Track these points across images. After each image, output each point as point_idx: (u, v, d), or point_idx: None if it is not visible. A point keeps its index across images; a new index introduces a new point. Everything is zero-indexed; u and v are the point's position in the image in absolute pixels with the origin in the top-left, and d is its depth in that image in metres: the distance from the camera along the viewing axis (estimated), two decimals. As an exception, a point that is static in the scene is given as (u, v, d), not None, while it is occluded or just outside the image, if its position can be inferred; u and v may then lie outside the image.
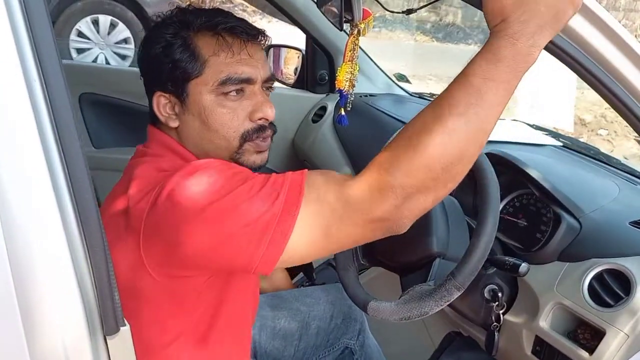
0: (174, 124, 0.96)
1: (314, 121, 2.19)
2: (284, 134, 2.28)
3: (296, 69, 2.34)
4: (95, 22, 4.70)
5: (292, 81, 2.34)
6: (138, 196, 0.84)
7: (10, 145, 0.58)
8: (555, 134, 1.77)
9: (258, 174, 0.82)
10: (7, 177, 0.56)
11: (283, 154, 2.32)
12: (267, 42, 1.02)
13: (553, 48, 0.76)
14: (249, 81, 0.96)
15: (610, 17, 0.78)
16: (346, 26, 1.35)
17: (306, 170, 0.81)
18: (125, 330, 0.63)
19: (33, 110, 0.59)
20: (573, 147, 1.67)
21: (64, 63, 1.94)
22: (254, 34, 0.98)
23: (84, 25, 4.66)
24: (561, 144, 1.68)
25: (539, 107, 1.83)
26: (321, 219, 0.76)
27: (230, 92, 0.94)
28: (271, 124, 1.00)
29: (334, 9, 1.37)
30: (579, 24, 0.77)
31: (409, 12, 1.19)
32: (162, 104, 0.96)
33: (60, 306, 0.58)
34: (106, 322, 0.61)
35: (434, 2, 0.97)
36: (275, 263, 0.78)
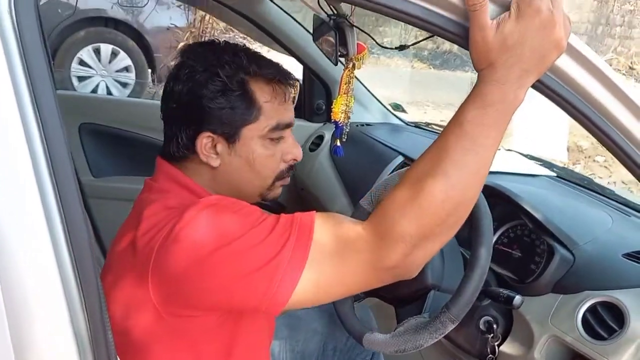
0: (214, 163, 0.96)
1: (312, 150, 2.21)
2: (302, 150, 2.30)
3: (294, 97, 2.37)
4: (97, 51, 4.77)
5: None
6: (148, 235, 0.84)
7: (7, 184, 0.59)
8: (549, 164, 1.79)
9: (267, 215, 0.83)
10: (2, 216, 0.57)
11: (281, 182, 2.33)
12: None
13: (539, 86, 0.78)
14: (289, 126, 1.01)
15: (594, 55, 0.80)
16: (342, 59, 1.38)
17: (315, 212, 0.83)
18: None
19: (27, 144, 0.60)
20: (567, 177, 1.69)
21: (64, 93, 1.97)
22: (293, 81, 1.02)
23: (86, 53, 4.73)
24: (555, 174, 1.69)
25: (533, 137, 1.86)
26: (330, 264, 0.77)
27: (276, 137, 0.98)
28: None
29: (329, 43, 1.39)
30: (565, 63, 0.79)
31: (401, 48, 1.22)
32: (205, 143, 0.95)
33: (53, 346, 0.59)
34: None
35: (426, 38, 1.00)
36: (284, 306, 0.78)
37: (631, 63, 11.25)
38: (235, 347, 0.93)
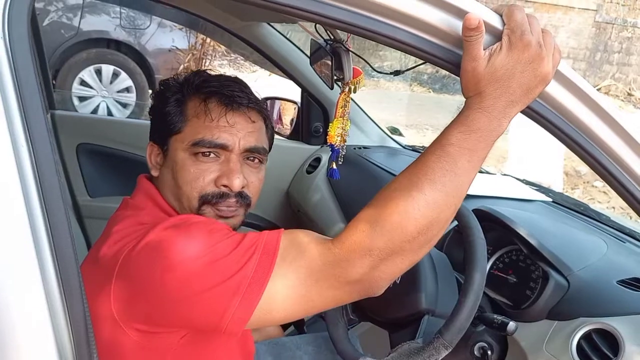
0: (155, 173, 1.02)
1: (309, 172, 2.21)
2: (278, 184, 2.31)
3: (292, 120, 2.39)
4: (98, 72, 4.81)
5: (288, 132, 2.38)
6: (114, 248, 0.85)
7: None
8: (545, 189, 1.79)
9: (235, 233, 0.83)
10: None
11: (277, 203, 2.33)
12: (262, 112, 1.05)
13: (528, 111, 0.79)
14: (224, 147, 0.97)
15: (581, 79, 0.81)
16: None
17: (282, 230, 0.83)
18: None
19: (17, 167, 0.60)
20: (562, 202, 1.69)
21: (62, 114, 1.97)
22: (240, 103, 0.99)
23: (87, 74, 4.77)
24: (551, 200, 1.70)
25: (528, 162, 1.86)
26: (296, 280, 0.77)
27: (202, 153, 0.96)
28: (241, 194, 0.98)
29: (326, 68, 1.41)
30: (553, 89, 0.80)
31: (396, 73, 1.24)
32: (151, 153, 1.03)
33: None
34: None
35: (420, 65, 1.01)
36: (245, 323, 0.77)
37: (629, 89, 11.34)
38: None
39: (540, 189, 1.80)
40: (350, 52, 1.35)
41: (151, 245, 0.81)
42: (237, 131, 0.98)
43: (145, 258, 0.80)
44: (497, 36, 0.75)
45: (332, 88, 1.39)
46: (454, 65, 0.77)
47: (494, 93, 0.73)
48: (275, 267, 0.77)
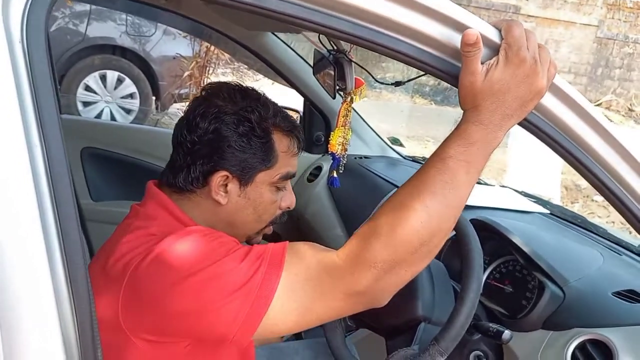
0: (223, 200, 0.98)
1: (309, 180, 2.23)
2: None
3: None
4: (103, 77, 4.85)
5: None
6: (123, 259, 0.86)
7: (6, 202, 0.61)
8: (543, 202, 1.81)
9: (242, 246, 0.85)
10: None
11: (278, 212, 2.35)
12: None
13: (524, 123, 0.82)
14: (294, 176, 1.06)
15: (578, 95, 0.83)
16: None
17: (287, 242, 0.84)
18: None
19: (32, 171, 0.62)
20: (560, 214, 1.71)
21: (67, 118, 2.00)
22: (302, 133, 1.08)
23: (92, 79, 4.80)
24: (548, 212, 1.71)
25: (527, 174, 1.88)
26: (301, 292, 0.79)
27: (282, 186, 1.03)
28: None
29: (329, 77, 1.44)
30: (550, 102, 0.82)
31: (397, 84, 1.26)
32: (219, 181, 0.97)
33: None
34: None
35: (420, 76, 1.03)
36: (252, 334, 0.79)
37: (630, 105, 11.38)
38: None
39: (539, 201, 1.82)
40: (353, 63, 1.38)
41: (160, 257, 0.82)
42: (297, 159, 1.07)
43: (154, 270, 0.82)
44: (495, 50, 0.78)
45: (334, 97, 1.41)
46: (453, 77, 0.79)
47: (491, 106, 0.76)
48: (281, 279, 0.79)
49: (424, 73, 0.89)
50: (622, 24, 11.65)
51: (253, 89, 1.05)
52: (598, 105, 11.20)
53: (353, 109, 2.28)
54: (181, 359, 0.88)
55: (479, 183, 1.99)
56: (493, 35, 0.78)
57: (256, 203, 1.00)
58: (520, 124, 0.82)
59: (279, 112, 1.02)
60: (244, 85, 1.05)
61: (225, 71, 8.39)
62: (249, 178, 0.99)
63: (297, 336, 1.68)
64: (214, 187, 0.97)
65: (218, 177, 0.97)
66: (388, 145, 2.32)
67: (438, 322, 1.18)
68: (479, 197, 1.73)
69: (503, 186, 1.98)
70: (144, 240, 0.87)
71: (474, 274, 1.09)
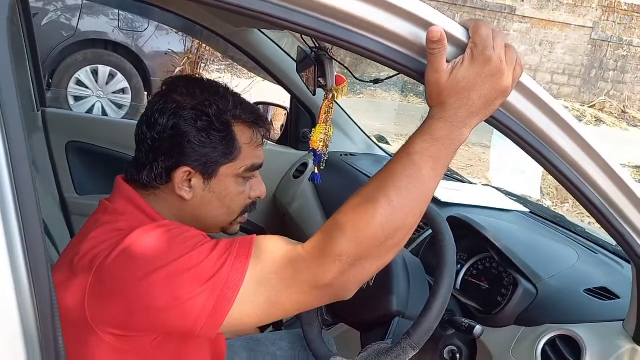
0: (187, 196, 0.99)
1: (295, 177, 2.25)
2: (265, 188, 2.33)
3: (282, 125, 2.42)
4: (95, 72, 4.85)
5: (277, 137, 2.41)
6: (90, 254, 0.86)
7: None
8: (524, 201, 1.83)
9: (209, 239, 0.86)
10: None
11: (264, 207, 2.36)
12: None
13: (491, 120, 0.83)
14: (260, 167, 1.06)
15: (544, 92, 0.85)
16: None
17: (255, 236, 0.85)
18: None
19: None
20: (540, 213, 1.73)
21: (53, 111, 1.99)
22: (268, 126, 1.08)
23: (84, 74, 4.80)
24: (528, 210, 1.73)
25: (509, 173, 1.91)
26: (267, 285, 0.79)
27: (248, 176, 1.04)
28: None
29: (309, 75, 1.45)
30: (516, 100, 0.84)
31: (376, 81, 1.28)
32: (182, 177, 0.98)
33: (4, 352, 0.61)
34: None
35: (396, 75, 1.04)
36: (218, 327, 0.80)
37: (624, 107, 11.44)
38: None
39: (520, 200, 1.84)
40: (334, 60, 1.39)
41: (127, 252, 0.83)
42: (262, 149, 1.07)
43: (121, 264, 0.82)
44: (462, 48, 0.79)
45: (314, 94, 1.42)
46: (419, 74, 0.80)
47: (455, 104, 0.77)
48: (247, 272, 0.80)
49: (397, 73, 0.91)
50: (616, 26, 11.71)
51: (213, 82, 1.04)
52: (591, 106, 11.26)
53: (340, 106, 2.30)
54: (149, 352, 0.88)
55: (461, 181, 2.01)
56: (461, 34, 0.79)
57: (222, 196, 1.01)
58: (487, 121, 0.84)
59: (240, 104, 1.02)
60: (205, 78, 1.05)
61: (220, 67, 8.38)
62: (212, 172, 0.99)
63: (277, 327, 1.70)
64: (177, 183, 0.98)
65: (180, 173, 0.97)
66: (374, 143, 2.33)
67: (412, 316, 1.20)
68: (460, 195, 1.74)
69: (486, 185, 2.00)
70: (111, 235, 0.88)
71: (446, 270, 1.11)
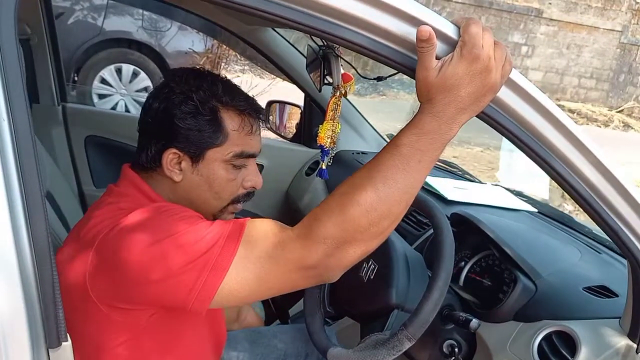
0: (177, 178, 1.04)
1: (307, 174, 2.28)
2: (278, 185, 2.38)
3: (297, 124, 2.46)
4: (119, 71, 4.95)
5: (291, 135, 2.45)
6: (93, 230, 0.92)
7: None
8: (533, 201, 1.83)
9: (205, 220, 0.90)
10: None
11: (277, 204, 2.40)
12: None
13: (482, 116, 0.85)
14: (253, 156, 1.09)
15: (534, 88, 0.86)
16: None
17: (249, 218, 0.89)
18: (67, 345, 0.70)
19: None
20: (547, 213, 1.73)
21: (73, 107, 2.06)
22: (263, 116, 1.11)
23: (108, 72, 4.91)
24: (536, 210, 1.74)
25: (519, 174, 1.91)
26: (256, 263, 0.83)
27: (239, 164, 1.07)
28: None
29: (317, 72, 1.48)
30: (506, 96, 0.86)
31: (379, 79, 1.30)
32: (171, 159, 1.03)
33: (4, 315, 0.65)
34: (49, 335, 0.68)
35: (397, 72, 1.07)
36: (209, 302, 0.84)
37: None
38: (175, 348, 0.99)
39: (529, 200, 1.84)
40: (340, 58, 1.42)
41: (127, 228, 0.88)
42: (260, 138, 1.10)
43: (120, 241, 0.87)
44: (453, 46, 0.81)
45: (320, 91, 1.45)
46: (410, 69, 0.83)
47: (444, 100, 0.79)
48: (238, 251, 0.84)
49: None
50: (646, 30, 11.49)
51: (209, 72, 1.09)
52: (619, 111, 11.07)
53: (353, 105, 2.33)
54: (145, 327, 0.93)
55: (471, 180, 2.02)
56: (452, 32, 0.82)
57: (210, 180, 1.04)
58: (478, 116, 0.86)
59: (231, 91, 1.05)
60: (204, 69, 1.10)
61: (244, 68, 8.46)
62: (199, 155, 1.03)
63: (283, 322, 1.73)
64: (166, 164, 1.02)
65: (169, 155, 1.02)
66: (386, 142, 2.35)
67: (411, 309, 1.22)
68: (468, 193, 1.76)
69: (495, 184, 2.01)
70: (113, 214, 0.93)
71: (443, 264, 1.13)
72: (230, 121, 1.04)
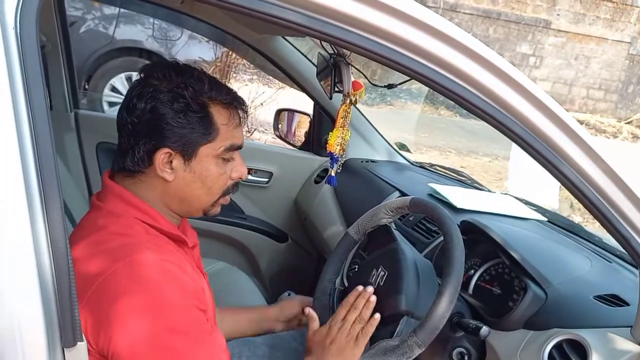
0: (169, 177, 1.03)
1: (316, 182, 2.29)
2: (287, 193, 2.39)
3: (307, 132, 2.47)
4: (129, 79, 4.99)
5: (299, 143, 2.46)
6: (94, 265, 0.91)
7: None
8: (542, 210, 1.83)
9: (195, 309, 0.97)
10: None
11: (286, 211, 2.41)
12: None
13: (494, 123, 0.86)
14: (239, 147, 1.10)
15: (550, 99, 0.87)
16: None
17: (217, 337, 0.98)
18: (82, 345, 0.71)
19: (19, 146, 0.68)
20: (557, 222, 1.73)
21: (85, 113, 2.08)
22: (245, 105, 1.11)
23: (118, 81, 4.95)
24: (546, 219, 1.73)
25: (528, 183, 1.91)
26: None
27: (228, 157, 1.08)
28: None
29: (327, 80, 1.50)
30: (517, 102, 0.86)
31: (389, 86, 1.31)
32: (163, 158, 1.01)
33: (23, 315, 0.67)
34: (65, 334, 0.68)
35: (408, 80, 1.08)
36: None
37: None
38: None
39: (539, 209, 1.84)
40: (351, 66, 1.43)
41: (125, 289, 0.89)
42: (242, 130, 1.10)
43: (116, 294, 0.88)
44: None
45: (331, 98, 1.46)
46: (423, 77, 0.84)
47: None
48: None
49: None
50: (655, 42, 11.46)
51: (188, 66, 1.07)
52: (628, 123, 11.02)
53: (362, 114, 2.34)
54: None
55: (480, 189, 2.02)
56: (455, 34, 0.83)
57: (203, 176, 1.05)
58: (489, 123, 0.87)
59: (216, 85, 1.04)
60: (180, 62, 1.08)
61: (252, 77, 8.51)
62: (192, 153, 1.02)
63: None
64: (158, 165, 1.01)
65: (161, 155, 1.00)
66: (395, 151, 2.36)
67: (420, 316, 1.22)
68: (477, 202, 1.76)
69: (504, 193, 2.00)
70: (107, 246, 0.94)
71: (454, 271, 1.13)
72: (219, 116, 1.04)
